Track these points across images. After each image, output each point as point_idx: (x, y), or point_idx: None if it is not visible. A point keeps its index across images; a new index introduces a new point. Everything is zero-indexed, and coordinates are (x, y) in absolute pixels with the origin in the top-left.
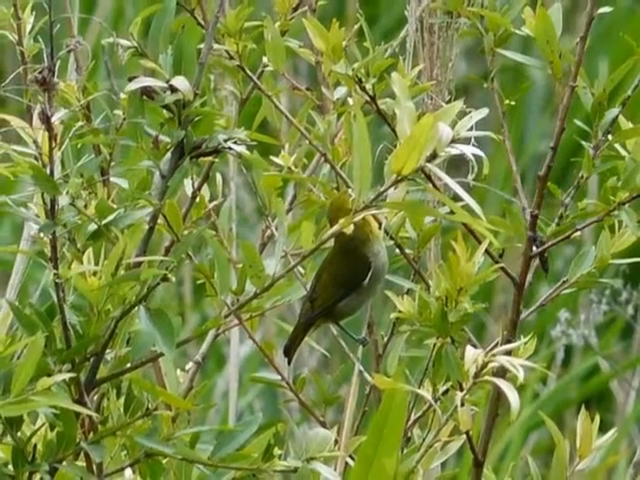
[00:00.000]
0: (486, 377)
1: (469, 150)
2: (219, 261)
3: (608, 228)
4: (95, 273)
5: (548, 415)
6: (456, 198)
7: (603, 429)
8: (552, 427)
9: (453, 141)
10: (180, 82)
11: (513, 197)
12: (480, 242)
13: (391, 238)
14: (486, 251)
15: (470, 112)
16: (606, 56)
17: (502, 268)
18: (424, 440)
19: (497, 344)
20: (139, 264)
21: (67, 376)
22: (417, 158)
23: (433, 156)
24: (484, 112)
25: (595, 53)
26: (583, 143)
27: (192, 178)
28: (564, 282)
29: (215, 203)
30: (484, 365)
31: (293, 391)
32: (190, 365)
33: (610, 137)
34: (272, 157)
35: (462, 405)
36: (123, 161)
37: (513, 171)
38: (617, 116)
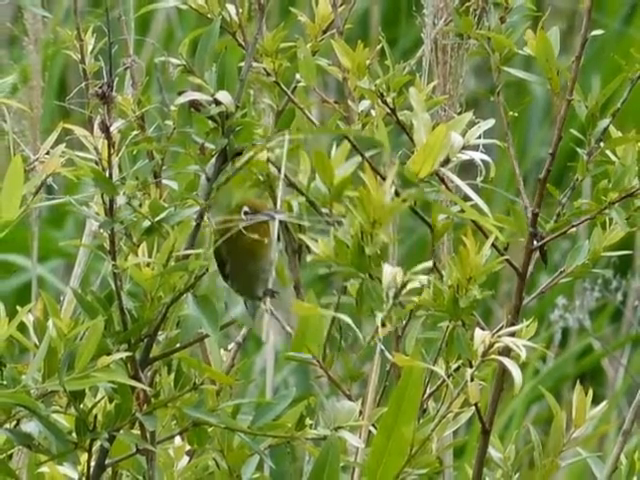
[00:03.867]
0: (492, 356)
1: (478, 156)
2: None
3: (600, 225)
4: (149, 264)
5: (547, 389)
6: (466, 198)
7: (596, 402)
8: (551, 400)
9: (464, 148)
10: (223, 96)
11: (516, 197)
12: (487, 237)
13: None
14: (493, 245)
15: (478, 122)
16: (598, 73)
17: (507, 260)
18: (438, 411)
19: (502, 327)
20: (187, 256)
21: (124, 355)
22: (432, 163)
23: (446, 161)
24: (491, 122)
25: (589, 71)
26: (578, 150)
27: None
28: (561, 272)
29: None
30: (491, 345)
31: (323, 368)
32: (232, 345)
33: (602, 144)
34: None
35: (471, 380)
36: (173, 165)
37: (516, 174)
38: (608, 126)
